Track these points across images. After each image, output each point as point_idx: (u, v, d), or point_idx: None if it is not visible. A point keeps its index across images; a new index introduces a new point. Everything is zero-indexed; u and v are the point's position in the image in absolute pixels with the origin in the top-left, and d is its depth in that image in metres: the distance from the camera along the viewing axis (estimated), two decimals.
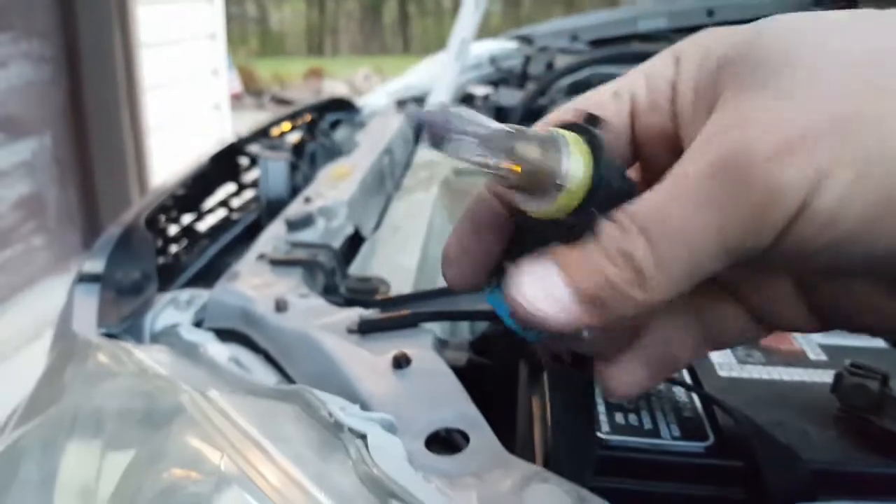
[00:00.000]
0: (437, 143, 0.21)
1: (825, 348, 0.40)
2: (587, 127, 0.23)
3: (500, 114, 1.35)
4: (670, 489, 0.31)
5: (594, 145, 0.23)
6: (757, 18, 0.24)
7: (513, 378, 0.43)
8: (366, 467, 0.24)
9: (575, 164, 0.22)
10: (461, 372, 0.44)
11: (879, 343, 0.41)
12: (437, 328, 0.64)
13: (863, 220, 0.20)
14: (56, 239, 2.76)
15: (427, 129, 0.21)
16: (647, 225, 0.21)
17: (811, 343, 0.41)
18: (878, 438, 0.32)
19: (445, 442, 0.32)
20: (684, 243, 0.21)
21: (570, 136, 0.23)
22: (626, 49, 1.55)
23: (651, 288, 0.21)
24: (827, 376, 0.36)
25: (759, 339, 0.29)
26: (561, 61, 1.48)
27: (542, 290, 0.22)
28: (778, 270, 0.26)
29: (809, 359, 0.39)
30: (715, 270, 0.22)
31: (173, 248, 0.98)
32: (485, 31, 2.11)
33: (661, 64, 0.26)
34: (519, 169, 0.22)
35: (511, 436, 0.39)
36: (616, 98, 0.26)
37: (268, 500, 0.24)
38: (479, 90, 1.46)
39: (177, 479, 0.26)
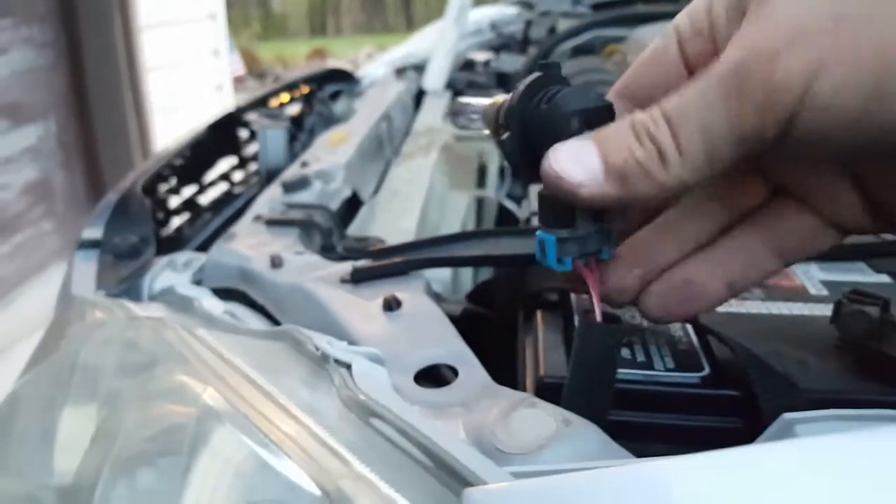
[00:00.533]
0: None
1: (826, 284, 0.40)
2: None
3: (502, 79, 1.33)
4: (666, 420, 0.31)
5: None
6: None
7: (512, 327, 0.42)
8: (349, 392, 0.24)
9: None
10: (458, 321, 0.43)
11: (884, 278, 0.40)
12: (438, 285, 0.63)
13: (857, 106, 0.22)
14: (65, 223, 2.77)
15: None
16: (671, 115, 0.24)
17: (812, 279, 0.40)
18: (878, 365, 0.31)
19: (435, 378, 0.32)
20: (701, 132, 0.24)
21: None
22: (629, 11, 1.52)
23: (672, 168, 0.24)
24: (827, 310, 0.36)
25: (831, 247, 0.29)
26: (563, 25, 1.46)
27: (576, 158, 0.25)
28: (797, 158, 0.28)
29: (810, 294, 0.38)
30: (731, 158, 0.24)
31: (176, 221, 0.98)
32: None
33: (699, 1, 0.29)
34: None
35: (512, 380, 0.39)
36: (664, 37, 0.30)
37: (255, 431, 0.23)
38: (480, 56, 1.44)
39: (162, 413, 0.26)
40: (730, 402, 0.31)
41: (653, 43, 0.30)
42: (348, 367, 0.26)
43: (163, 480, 0.23)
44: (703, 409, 0.31)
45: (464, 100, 0.30)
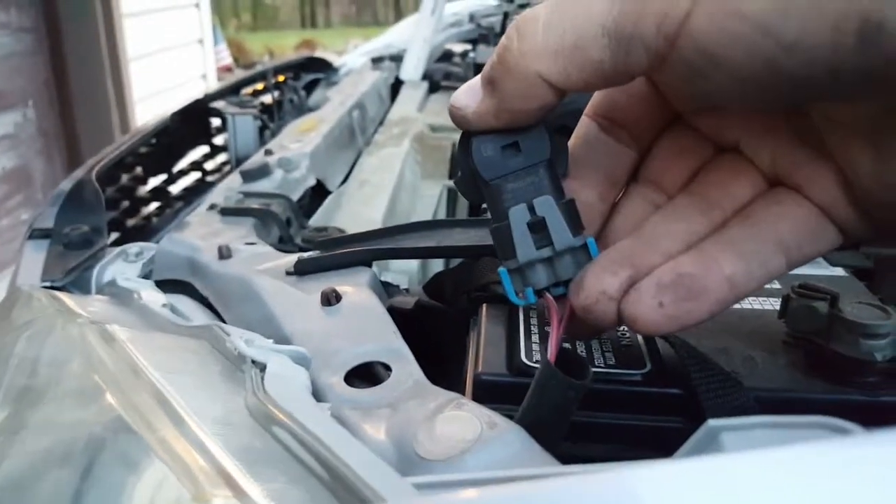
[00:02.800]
0: None
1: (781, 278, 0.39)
2: None
3: (479, 71, 1.32)
4: (606, 419, 0.30)
5: None
6: None
7: (466, 320, 0.41)
8: (254, 398, 0.22)
9: None
10: (410, 315, 0.42)
11: (838, 272, 0.39)
12: (404, 278, 0.62)
13: (772, 4, 0.19)
14: None
15: None
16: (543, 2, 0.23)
17: None
18: (827, 363, 0.30)
19: (369, 376, 0.30)
20: (566, 15, 0.22)
21: None
22: None
23: (527, 46, 0.23)
24: (779, 304, 0.35)
25: (837, 247, 0.26)
26: None
27: (466, 91, 0.26)
28: (696, 88, 0.24)
29: (764, 287, 0.37)
30: (600, 59, 0.22)
31: (145, 210, 0.96)
32: None
33: None
34: None
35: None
36: None
37: (140, 437, 0.22)
38: (458, 47, 1.43)
39: (63, 417, 0.24)
40: (672, 400, 0.30)
41: None
42: (264, 367, 0.25)
43: (54, 487, 0.21)
44: (644, 407, 0.30)
45: None
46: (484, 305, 0.36)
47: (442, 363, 0.37)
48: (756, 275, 0.25)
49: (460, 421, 0.24)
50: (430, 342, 0.37)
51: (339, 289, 0.36)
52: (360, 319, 0.34)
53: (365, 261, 0.41)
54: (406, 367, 0.30)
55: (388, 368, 0.30)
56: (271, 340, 0.29)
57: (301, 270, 0.40)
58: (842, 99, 0.23)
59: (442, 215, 0.86)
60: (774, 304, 0.35)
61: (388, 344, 0.32)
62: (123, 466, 0.20)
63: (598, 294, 0.25)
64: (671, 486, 0.14)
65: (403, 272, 0.64)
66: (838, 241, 0.26)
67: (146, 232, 0.93)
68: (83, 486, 0.21)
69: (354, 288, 0.37)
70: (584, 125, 0.30)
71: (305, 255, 0.42)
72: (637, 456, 0.30)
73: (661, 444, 0.30)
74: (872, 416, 0.29)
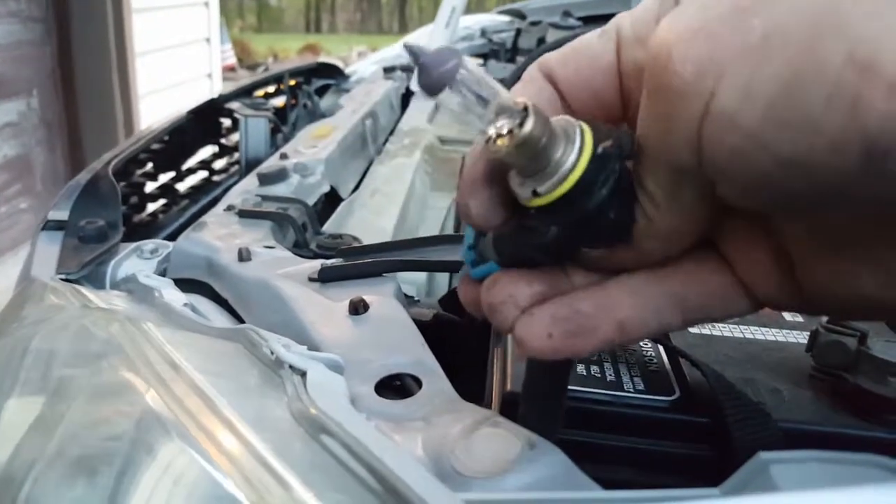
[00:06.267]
0: (434, 87, 0.20)
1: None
2: (614, 136, 0.21)
3: None
4: (634, 444, 0.30)
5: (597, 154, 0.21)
6: None
7: (485, 335, 0.41)
8: (300, 404, 0.22)
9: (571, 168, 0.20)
10: (428, 327, 0.42)
11: None
12: (411, 287, 0.62)
13: (765, 115, 0.18)
14: (42, 202, 2.72)
15: (428, 70, 0.19)
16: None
17: None
18: (853, 398, 0.31)
19: (398, 388, 0.30)
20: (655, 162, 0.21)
21: (588, 137, 0.21)
22: None
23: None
24: (802, 337, 0.35)
25: (746, 315, 0.25)
26: (552, 36, 1.45)
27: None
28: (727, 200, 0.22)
29: (786, 320, 0.38)
30: (685, 194, 0.21)
31: (151, 206, 0.96)
32: (479, 8, 2.08)
33: (650, 2, 0.25)
34: (511, 145, 0.20)
35: (481, 391, 0.37)
36: (602, 35, 0.25)
37: (191, 437, 0.22)
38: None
39: (103, 412, 0.24)
40: (699, 428, 0.30)
41: (585, 38, 0.26)
42: (303, 374, 0.25)
43: (95, 485, 0.21)
44: (671, 434, 0.30)
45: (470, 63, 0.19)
46: None
47: (458, 376, 0.37)
48: (650, 325, 0.24)
49: (499, 439, 0.24)
50: (447, 355, 0.37)
51: (366, 298, 0.36)
52: (389, 330, 0.34)
53: (389, 271, 0.41)
54: (437, 382, 0.30)
55: (417, 381, 0.30)
56: (305, 347, 0.29)
57: (325, 278, 0.40)
58: (852, 213, 0.21)
59: (450, 228, 0.86)
60: (798, 336, 0.35)
61: (418, 357, 0.32)
62: (168, 468, 0.20)
63: (506, 296, 0.24)
64: None
65: (411, 283, 0.64)
66: (751, 310, 0.25)
67: (152, 228, 0.93)
68: (120, 486, 0.21)
69: (380, 298, 0.37)
70: (547, 97, 0.25)
71: (329, 262, 0.42)
72: (662, 482, 0.30)
73: (686, 471, 0.31)
74: None
